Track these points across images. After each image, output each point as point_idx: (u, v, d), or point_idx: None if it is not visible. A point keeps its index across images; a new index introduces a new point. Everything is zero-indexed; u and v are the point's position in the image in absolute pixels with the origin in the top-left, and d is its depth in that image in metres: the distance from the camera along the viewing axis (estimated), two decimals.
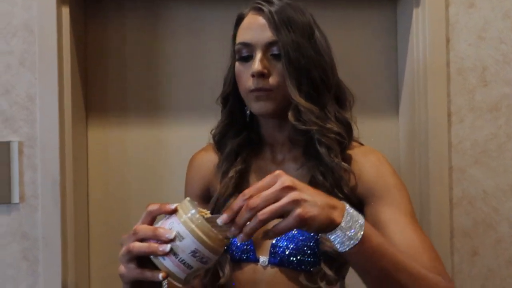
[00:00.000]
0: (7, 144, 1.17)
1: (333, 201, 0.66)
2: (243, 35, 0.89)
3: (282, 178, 0.64)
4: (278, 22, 0.86)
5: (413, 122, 1.30)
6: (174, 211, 0.66)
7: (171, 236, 0.63)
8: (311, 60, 0.86)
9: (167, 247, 0.63)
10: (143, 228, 0.66)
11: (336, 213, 0.65)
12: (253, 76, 0.85)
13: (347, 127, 0.90)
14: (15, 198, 1.17)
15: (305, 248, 0.85)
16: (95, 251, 1.34)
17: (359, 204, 0.87)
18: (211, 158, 0.98)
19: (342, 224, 0.65)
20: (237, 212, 0.63)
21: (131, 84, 1.35)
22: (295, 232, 0.86)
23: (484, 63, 1.27)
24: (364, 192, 0.88)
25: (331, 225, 0.64)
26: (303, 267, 0.85)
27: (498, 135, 1.27)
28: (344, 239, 0.65)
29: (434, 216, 1.23)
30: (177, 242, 0.63)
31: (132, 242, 0.66)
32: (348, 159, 0.90)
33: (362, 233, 0.65)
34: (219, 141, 0.96)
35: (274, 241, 0.86)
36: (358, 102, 1.36)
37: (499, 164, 1.27)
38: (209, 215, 0.66)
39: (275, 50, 0.86)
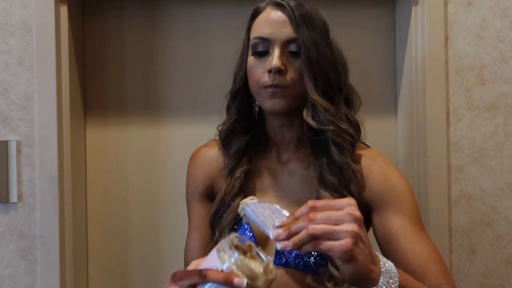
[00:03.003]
0: (5, 143, 1.16)
1: (374, 252, 0.64)
2: (260, 30, 0.88)
3: (353, 208, 0.61)
4: (298, 19, 0.85)
5: (412, 120, 1.30)
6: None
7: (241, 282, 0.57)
8: (327, 60, 0.87)
9: None
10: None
11: (375, 269, 0.62)
12: (269, 71, 0.85)
13: (357, 128, 0.91)
14: (13, 198, 1.17)
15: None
16: (93, 251, 1.34)
17: (366, 208, 0.87)
18: (214, 155, 0.97)
19: (380, 281, 0.62)
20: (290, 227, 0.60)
21: (129, 83, 1.35)
22: None
23: (483, 62, 1.27)
24: (372, 197, 0.87)
25: (369, 279, 0.62)
26: (309, 268, 0.85)
27: (496, 134, 1.27)
28: (388, 281, 0.63)
29: (432, 215, 1.24)
30: None
31: None
32: (356, 161, 0.90)
33: (396, 286, 0.63)
34: (226, 138, 0.95)
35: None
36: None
37: (497, 163, 1.27)
38: (251, 251, 0.61)
39: (293, 47, 0.86)
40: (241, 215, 0.69)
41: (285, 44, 0.86)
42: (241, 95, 0.93)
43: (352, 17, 1.38)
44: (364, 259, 0.60)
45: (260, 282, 0.58)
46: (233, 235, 0.63)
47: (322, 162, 0.88)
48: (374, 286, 0.62)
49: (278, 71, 0.84)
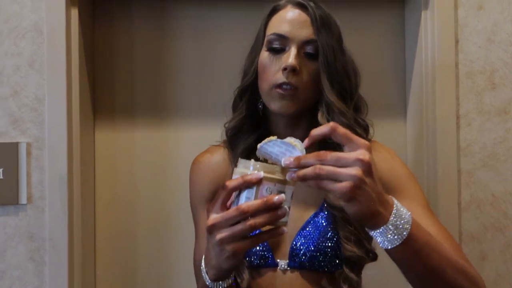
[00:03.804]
0: (16, 145, 1.17)
1: (385, 197, 0.66)
2: (279, 27, 0.87)
3: (363, 152, 0.62)
4: (320, 22, 0.86)
5: (421, 125, 1.30)
6: (260, 180, 0.66)
7: (281, 198, 0.65)
8: (342, 66, 0.88)
9: (284, 209, 0.65)
10: (252, 205, 0.65)
11: (383, 211, 0.64)
12: (284, 69, 0.84)
13: (367, 131, 0.92)
14: (23, 199, 1.17)
15: (325, 248, 0.84)
16: (101, 253, 1.34)
17: None
18: (217, 161, 0.96)
19: (389, 222, 0.65)
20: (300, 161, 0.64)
21: (138, 85, 1.35)
22: (313, 231, 0.85)
23: (493, 66, 1.26)
24: None
25: (377, 220, 0.64)
26: (325, 269, 0.84)
27: (506, 139, 1.26)
28: (389, 237, 0.65)
29: (442, 220, 1.20)
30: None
31: (246, 221, 0.65)
32: None
33: (407, 232, 0.65)
34: (233, 136, 0.94)
35: (293, 244, 0.85)
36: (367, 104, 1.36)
37: (508, 168, 1.26)
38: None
39: (310, 49, 0.86)
40: (257, 153, 0.72)
41: (302, 45, 0.86)
42: (251, 91, 0.92)
43: (361, 21, 1.38)
44: (366, 201, 0.62)
45: (277, 173, 0.66)
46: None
47: None
48: (380, 227, 0.65)
49: (293, 70, 0.84)
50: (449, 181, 1.24)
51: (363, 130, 0.90)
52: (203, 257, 0.76)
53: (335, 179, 0.61)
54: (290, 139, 0.67)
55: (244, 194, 0.67)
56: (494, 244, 1.25)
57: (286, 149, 0.67)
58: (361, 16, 1.38)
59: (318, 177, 0.62)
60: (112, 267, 1.34)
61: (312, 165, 0.62)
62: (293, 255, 0.85)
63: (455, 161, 1.24)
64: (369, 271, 0.93)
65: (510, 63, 1.26)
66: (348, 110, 0.87)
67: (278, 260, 0.86)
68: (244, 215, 0.65)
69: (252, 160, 0.68)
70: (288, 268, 0.85)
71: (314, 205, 0.88)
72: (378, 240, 0.66)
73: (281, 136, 0.91)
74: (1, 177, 1.16)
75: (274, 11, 0.91)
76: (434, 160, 1.24)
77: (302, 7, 0.88)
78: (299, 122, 0.91)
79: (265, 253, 0.86)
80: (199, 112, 1.35)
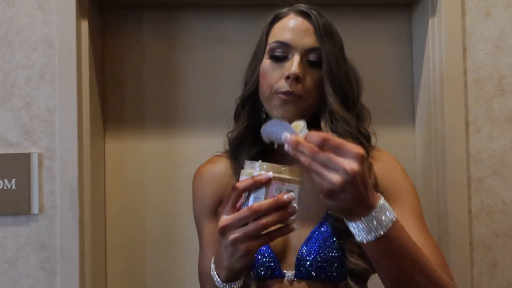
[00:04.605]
0: (27, 155, 1.19)
1: (368, 197, 0.67)
2: (282, 34, 0.87)
3: (353, 163, 0.63)
4: (323, 30, 0.86)
5: (430, 132, 1.29)
6: (269, 180, 0.68)
7: (290, 196, 0.67)
8: (345, 75, 0.87)
9: (294, 207, 0.68)
10: (263, 204, 0.67)
11: (359, 211, 0.67)
12: (287, 78, 0.84)
13: (369, 141, 0.91)
14: (35, 209, 1.19)
15: (331, 258, 0.84)
16: (112, 262, 1.35)
17: None
18: (220, 171, 0.95)
19: (369, 216, 0.67)
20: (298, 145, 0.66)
21: (147, 95, 1.37)
22: (318, 241, 0.85)
23: (501, 72, 1.26)
24: (376, 191, 0.87)
25: (348, 217, 0.68)
26: (332, 279, 0.84)
27: None
28: (366, 230, 0.67)
29: (452, 228, 1.22)
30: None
31: (258, 220, 0.67)
32: None
33: (382, 232, 0.67)
34: (236, 147, 0.92)
35: (299, 254, 0.85)
36: (374, 112, 1.36)
37: None
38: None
39: (313, 57, 0.86)
40: (261, 132, 0.74)
41: (305, 53, 0.86)
42: (252, 100, 0.91)
43: (369, 28, 1.38)
44: (343, 203, 0.66)
45: (285, 173, 0.69)
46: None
47: None
48: (355, 221, 0.68)
49: (296, 79, 0.84)
50: (459, 189, 1.23)
51: (364, 139, 0.89)
52: (213, 259, 0.77)
53: (320, 177, 0.65)
54: (295, 122, 0.71)
55: (253, 195, 0.68)
56: (505, 252, 1.24)
57: (285, 129, 0.69)
58: (368, 24, 1.38)
59: (309, 165, 0.66)
60: (122, 275, 1.35)
61: (304, 154, 0.66)
62: (300, 265, 0.85)
63: (464, 169, 1.24)
64: (378, 279, 0.93)
65: None
66: (351, 118, 0.87)
67: (285, 271, 0.86)
68: (256, 215, 0.66)
69: (259, 161, 0.70)
70: (295, 279, 0.85)
71: (318, 216, 0.88)
72: (353, 232, 0.69)
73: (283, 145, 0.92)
74: (14, 187, 1.18)
75: (276, 19, 0.90)
76: (444, 167, 1.24)
77: (304, 15, 0.88)
78: None
79: (272, 264, 0.85)
80: (208, 122, 1.36)
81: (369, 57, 1.38)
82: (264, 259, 0.85)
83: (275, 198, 0.67)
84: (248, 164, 0.72)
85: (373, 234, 0.67)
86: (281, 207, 0.67)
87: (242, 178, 0.71)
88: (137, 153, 1.36)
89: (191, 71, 1.37)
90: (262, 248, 0.86)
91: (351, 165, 0.63)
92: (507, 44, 1.26)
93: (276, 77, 0.86)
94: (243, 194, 0.70)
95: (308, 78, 0.85)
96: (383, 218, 0.67)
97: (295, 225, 0.70)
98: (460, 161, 1.24)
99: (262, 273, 0.86)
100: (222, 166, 0.95)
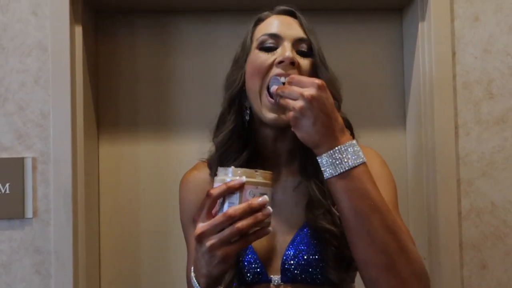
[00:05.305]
0: (21, 160, 1.19)
1: (337, 133, 0.73)
2: (269, 29, 0.87)
3: (311, 91, 0.71)
4: (307, 25, 0.88)
5: (420, 135, 1.31)
6: (242, 185, 0.70)
7: (264, 199, 0.69)
8: (329, 75, 0.88)
9: (268, 209, 0.69)
10: (238, 209, 0.68)
11: (321, 145, 0.73)
12: (280, 62, 0.83)
13: (353, 134, 0.91)
14: (29, 213, 1.19)
15: (314, 261, 0.84)
16: (106, 265, 1.36)
17: None
18: (205, 177, 0.94)
19: (333, 150, 0.72)
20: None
21: (141, 100, 1.38)
22: (302, 245, 0.85)
23: (490, 76, 1.28)
24: None
25: (314, 148, 0.74)
26: (317, 281, 0.84)
27: (505, 147, 1.27)
28: (331, 164, 0.72)
29: (442, 229, 1.24)
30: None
31: (234, 225, 0.68)
32: None
33: (346, 168, 0.71)
34: (223, 153, 0.91)
35: (283, 259, 0.85)
36: (366, 115, 1.38)
37: (506, 177, 1.27)
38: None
39: (303, 47, 0.86)
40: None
41: (295, 42, 0.86)
42: (239, 101, 0.90)
43: (360, 32, 1.40)
44: (308, 132, 0.73)
45: (258, 177, 0.71)
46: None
47: (309, 180, 0.87)
48: (321, 154, 0.73)
49: (291, 63, 0.83)
50: (449, 190, 1.25)
51: (350, 131, 0.89)
52: (192, 267, 0.77)
53: (288, 108, 0.74)
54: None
55: (228, 200, 0.69)
56: (495, 252, 1.26)
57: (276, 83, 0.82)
58: (359, 28, 1.40)
59: (281, 104, 0.76)
60: (116, 278, 1.35)
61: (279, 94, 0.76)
62: (285, 269, 0.85)
63: (454, 171, 1.26)
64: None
65: (507, 73, 1.28)
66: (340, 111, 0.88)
67: (271, 276, 0.85)
68: (231, 220, 0.67)
69: (232, 167, 0.72)
70: (282, 283, 0.85)
71: (301, 219, 0.88)
72: (322, 168, 0.73)
73: (269, 148, 0.91)
74: (8, 192, 1.18)
75: (259, 21, 0.91)
76: (434, 169, 1.26)
77: (287, 13, 0.89)
78: (287, 133, 0.88)
79: (258, 269, 0.85)
80: (202, 126, 1.36)
81: (360, 61, 1.40)
82: (250, 265, 0.85)
83: (249, 202, 0.68)
84: (221, 170, 0.73)
85: (337, 169, 0.71)
86: (256, 210, 0.68)
87: (216, 184, 0.72)
88: (131, 157, 1.37)
89: (184, 75, 1.38)
90: (248, 254, 0.86)
91: (308, 91, 0.71)
92: (495, 49, 1.28)
93: (267, 66, 0.85)
94: (218, 201, 0.70)
95: (301, 67, 0.85)
96: (350, 156, 0.72)
97: (270, 228, 0.71)
98: (450, 163, 1.26)
99: (249, 279, 0.85)
100: (207, 172, 0.95)
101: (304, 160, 0.89)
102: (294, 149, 0.91)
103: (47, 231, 1.20)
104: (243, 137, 0.91)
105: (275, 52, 0.86)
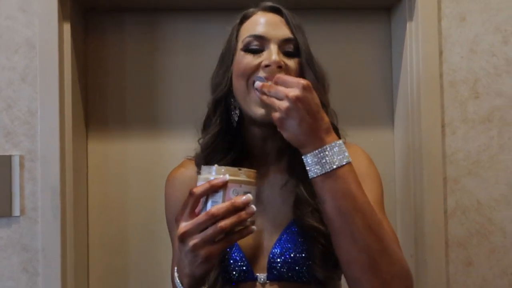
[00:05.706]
0: (9, 158, 1.19)
1: (322, 134, 0.73)
2: (254, 29, 0.86)
3: (300, 81, 0.72)
4: (294, 22, 0.86)
5: (408, 134, 1.32)
6: (225, 183, 0.69)
7: (248, 198, 0.68)
8: (319, 68, 0.88)
9: (252, 208, 0.69)
10: (221, 208, 0.67)
11: (307, 145, 0.73)
12: (266, 66, 0.82)
13: (338, 135, 0.91)
14: (16, 211, 1.19)
15: (301, 259, 0.84)
16: (94, 263, 1.35)
17: None
18: (192, 175, 0.93)
19: (318, 150, 0.72)
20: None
21: (130, 97, 1.37)
22: (288, 243, 0.86)
23: (476, 75, 1.30)
24: None
25: (300, 148, 0.74)
26: (304, 279, 0.84)
27: (490, 146, 1.29)
28: (316, 163, 0.72)
29: (428, 227, 1.25)
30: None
31: (217, 224, 0.67)
32: None
33: (331, 168, 0.71)
34: (208, 154, 0.90)
35: (270, 256, 0.85)
36: (354, 114, 1.39)
37: (492, 175, 1.29)
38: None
39: (289, 48, 0.85)
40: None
41: (282, 43, 0.85)
42: (225, 103, 0.90)
43: (348, 32, 1.41)
44: (294, 132, 0.73)
45: (241, 175, 0.71)
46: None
47: (297, 179, 0.87)
48: (306, 153, 0.73)
49: (279, 67, 0.82)
50: (435, 189, 1.26)
51: (336, 132, 0.88)
52: (176, 267, 0.76)
53: (274, 109, 0.74)
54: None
55: (211, 199, 0.69)
56: (480, 250, 1.28)
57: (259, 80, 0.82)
58: (347, 28, 1.41)
59: (266, 103, 0.76)
60: (104, 276, 1.35)
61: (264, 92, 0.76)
62: (271, 267, 0.85)
63: (440, 169, 1.27)
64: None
65: (492, 72, 1.30)
66: (328, 110, 0.87)
67: (257, 274, 0.85)
68: (214, 219, 0.66)
69: (216, 165, 0.71)
70: (268, 281, 0.85)
71: (288, 218, 0.88)
72: (307, 168, 0.73)
73: (258, 147, 0.92)
74: None
75: (245, 18, 0.90)
76: (420, 168, 1.27)
77: (273, 10, 0.88)
78: (275, 132, 0.86)
79: (244, 268, 0.85)
80: (191, 123, 1.36)
81: (348, 60, 1.41)
82: (236, 263, 0.85)
83: (232, 200, 0.67)
84: (204, 169, 0.72)
85: (321, 168, 0.72)
86: (239, 209, 0.67)
87: (199, 183, 0.71)
88: (119, 154, 1.37)
89: (173, 73, 1.39)
90: (234, 252, 0.85)
91: (293, 92, 0.71)
92: (481, 48, 1.30)
93: (252, 67, 0.84)
94: (201, 199, 0.70)
95: (287, 69, 0.84)
96: (335, 156, 0.72)
97: (254, 227, 0.71)
98: (436, 162, 1.27)
99: (235, 277, 0.85)
100: (194, 170, 0.94)
101: (292, 158, 0.89)
102: (283, 148, 0.91)
103: (35, 229, 1.19)
104: (229, 139, 0.91)
105: (261, 54, 0.85)
